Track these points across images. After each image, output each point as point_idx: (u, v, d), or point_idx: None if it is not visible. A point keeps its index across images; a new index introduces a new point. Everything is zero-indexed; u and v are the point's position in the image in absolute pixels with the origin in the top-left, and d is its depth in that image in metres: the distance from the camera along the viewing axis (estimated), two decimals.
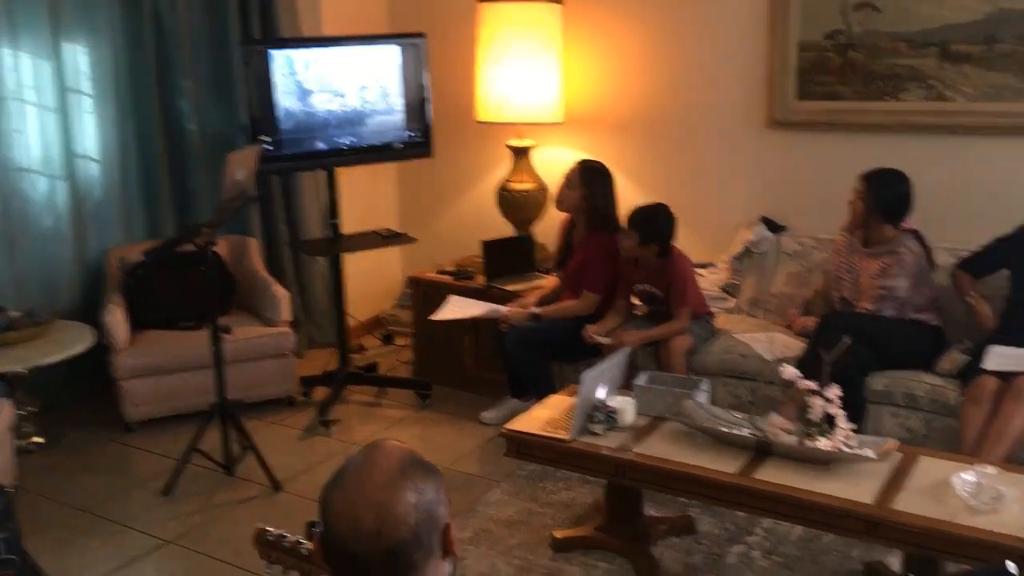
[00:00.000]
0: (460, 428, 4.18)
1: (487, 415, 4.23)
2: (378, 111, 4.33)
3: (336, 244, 4.47)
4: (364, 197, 5.16)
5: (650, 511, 3.27)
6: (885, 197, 3.62)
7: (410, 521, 1.22)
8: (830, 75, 4.18)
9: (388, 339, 5.22)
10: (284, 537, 1.52)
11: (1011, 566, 1.20)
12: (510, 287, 4.39)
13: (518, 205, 4.72)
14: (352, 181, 4.79)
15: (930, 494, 2.55)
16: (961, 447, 3.21)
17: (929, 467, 2.70)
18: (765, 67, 4.28)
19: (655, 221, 3.76)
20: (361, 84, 4.28)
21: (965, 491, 2.50)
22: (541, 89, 4.54)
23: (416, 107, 4.43)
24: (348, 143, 4.28)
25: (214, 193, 4.51)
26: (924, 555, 2.60)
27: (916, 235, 3.67)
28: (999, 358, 3.33)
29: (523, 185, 4.71)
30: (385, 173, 5.37)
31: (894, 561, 2.93)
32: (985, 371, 3.31)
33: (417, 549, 1.22)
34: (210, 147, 4.70)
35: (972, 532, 2.38)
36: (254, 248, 4.72)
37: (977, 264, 3.63)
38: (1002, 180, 3.86)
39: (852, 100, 4.16)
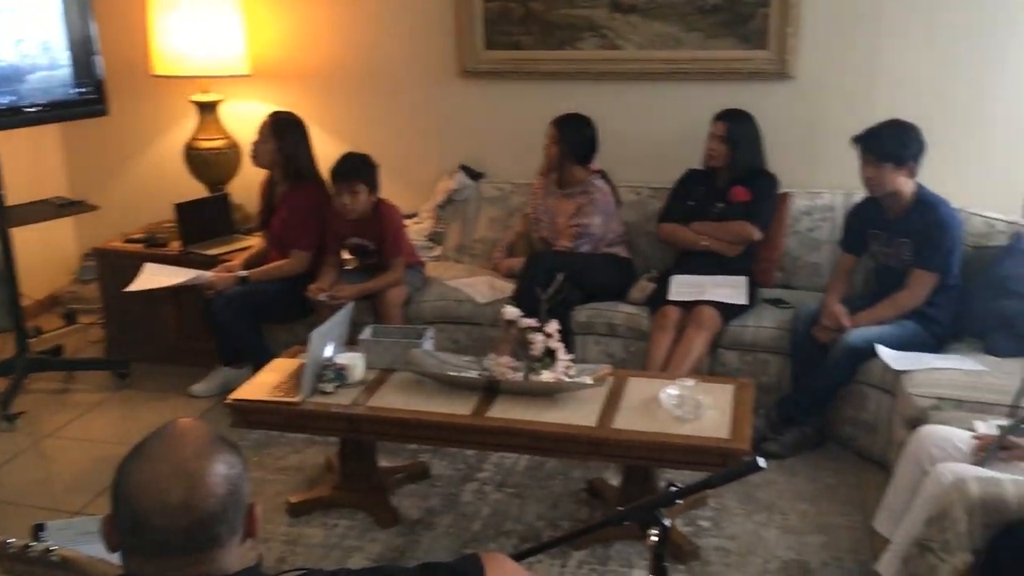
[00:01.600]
0: (169, 405, 3.93)
1: (198, 388, 4.01)
2: (40, 66, 3.85)
3: (2, 217, 3.96)
4: (23, 163, 4.60)
5: (383, 463, 3.30)
6: (575, 141, 3.86)
7: (219, 492, 1.17)
8: (514, 25, 4.34)
9: (70, 318, 4.74)
10: (29, 547, 1.36)
11: (761, 461, 1.37)
12: (211, 251, 4.16)
13: (209, 164, 4.46)
14: (7, 146, 4.24)
15: (642, 410, 2.80)
16: (649, 369, 3.54)
17: (638, 386, 2.96)
18: (454, 17, 4.35)
19: (366, 170, 3.73)
20: (16, 37, 3.78)
21: (671, 404, 2.77)
22: (223, 40, 4.29)
23: (84, 61, 4.00)
24: (7, 103, 3.78)
25: None
26: (641, 466, 2.87)
27: (603, 175, 3.95)
28: (680, 288, 3.71)
29: (212, 143, 4.46)
30: (48, 136, 4.83)
31: (612, 476, 3.20)
32: (669, 301, 3.67)
33: (223, 523, 1.17)
34: None
35: (681, 439, 2.65)
36: None
37: (671, 213, 3.97)
38: (669, 121, 4.24)
39: (535, 49, 4.35)
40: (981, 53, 3.86)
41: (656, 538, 1.36)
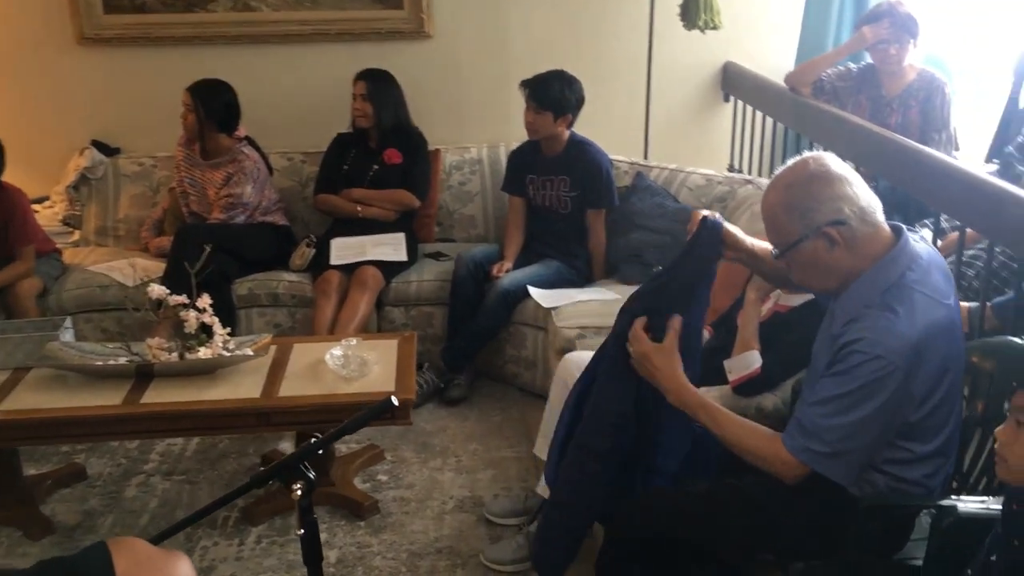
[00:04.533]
0: None
1: None
2: None
3: None
4: None
5: (30, 470, 3.00)
6: (213, 108, 3.70)
7: None
8: None
9: None
10: None
11: (393, 398, 1.40)
12: None
13: None
14: None
15: (308, 375, 2.77)
16: (317, 335, 3.51)
17: (303, 352, 2.92)
18: None
19: None
20: None
21: (336, 365, 2.77)
22: None
23: None
24: None
25: None
26: (312, 430, 2.83)
27: (250, 141, 3.83)
28: (340, 251, 3.70)
29: None
30: None
31: (288, 446, 3.15)
32: (330, 265, 3.65)
33: None
34: None
35: (348, 398, 2.65)
36: None
37: (327, 182, 3.90)
38: (314, 84, 4.18)
39: (161, 12, 4.09)
40: (599, 9, 4.18)
41: (300, 492, 1.35)
